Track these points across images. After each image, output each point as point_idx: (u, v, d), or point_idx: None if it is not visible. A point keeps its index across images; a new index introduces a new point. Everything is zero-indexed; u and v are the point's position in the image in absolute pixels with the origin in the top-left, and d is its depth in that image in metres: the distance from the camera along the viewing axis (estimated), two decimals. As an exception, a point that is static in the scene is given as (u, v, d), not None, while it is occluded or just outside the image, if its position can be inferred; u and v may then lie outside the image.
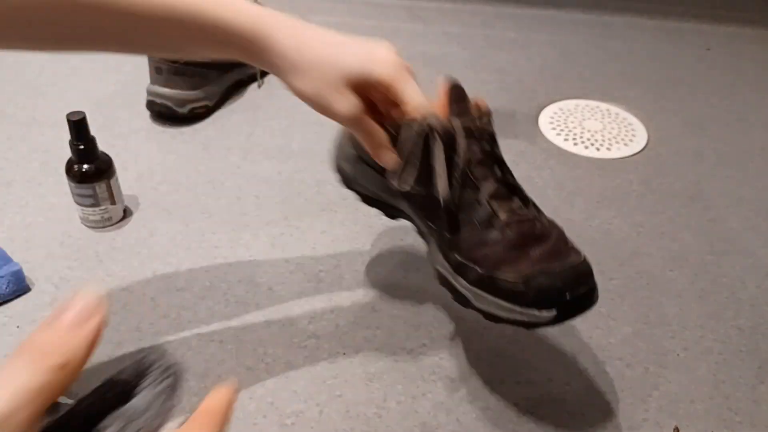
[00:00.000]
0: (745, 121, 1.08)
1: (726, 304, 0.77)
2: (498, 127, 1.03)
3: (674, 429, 0.63)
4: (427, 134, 0.56)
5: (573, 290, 0.54)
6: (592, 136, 1.03)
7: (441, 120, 0.56)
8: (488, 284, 0.55)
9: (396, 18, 1.32)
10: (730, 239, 0.86)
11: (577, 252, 0.57)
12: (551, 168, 0.96)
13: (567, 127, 1.05)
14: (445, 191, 0.56)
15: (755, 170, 0.98)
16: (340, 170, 0.68)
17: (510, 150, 0.99)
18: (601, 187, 0.93)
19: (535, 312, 0.54)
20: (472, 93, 1.13)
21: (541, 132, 1.03)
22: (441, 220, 0.58)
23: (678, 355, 0.71)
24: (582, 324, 0.73)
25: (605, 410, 0.65)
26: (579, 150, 1.00)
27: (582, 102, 1.11)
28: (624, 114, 1.09)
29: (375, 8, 1.35)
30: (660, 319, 0.74)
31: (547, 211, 0.88)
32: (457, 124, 0.57)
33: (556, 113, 1.08)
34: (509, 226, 0.56)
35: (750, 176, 0.96)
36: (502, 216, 0.56)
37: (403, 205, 0.63)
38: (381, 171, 0.60)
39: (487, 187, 0.57)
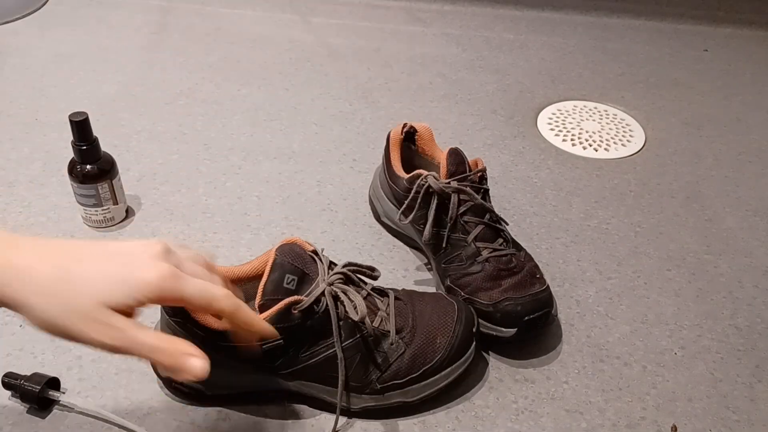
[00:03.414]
0: (742, 121, 1.08)
1: (723, 304, 0.77)
2: (497, 128, 1.03)
3: (672, 427, 0.64)
4: (426, 189, 0.71)
5: (530, 314, 0.67)
6: (591, 136, 1.04)
7: (438, 181, 0.71)
8: (469, 305, 0.68)
9: (396, 20, 1.33)
10: (727, 239, 0.86)
11: (542, 282, 0.69)
12: (550, 168, 0.96)
13: (565, 127, 1.05)
14: (427, 234, 0.71)
15: (752, 171, 0.98)
16: (372, 205, 0.85)
17: (509, 150, 0.99)
18: (599, 187, 0.94)
19: (501, 329, 0.67)
20: (472, 94, 1.13)
21: (539, 132, 1.04)
22: (437, 254, 0.73)
23: (675, 353, 0.71)
24: (580, 323, 0.74)
25: (603, 409, 0.66)
26: (577, 150, 1.01)
27: (580, 103, 1.12)
28: (622, 115, 1.10)
29: (375, 10, 1.36)
30: (658, 318, 0.75)
31: (546, 210, 0.89)
32: (453, 185, 0.70)
33: (554, 114, 1.09)
34: (488, 261, 0.69)
35: (747, 176, 0.97)
36: (484, 253, 0.70)
37: (418, 240, 0.77)
38: (404, 212, 0.75)
39: (475, 231, 0.70)
